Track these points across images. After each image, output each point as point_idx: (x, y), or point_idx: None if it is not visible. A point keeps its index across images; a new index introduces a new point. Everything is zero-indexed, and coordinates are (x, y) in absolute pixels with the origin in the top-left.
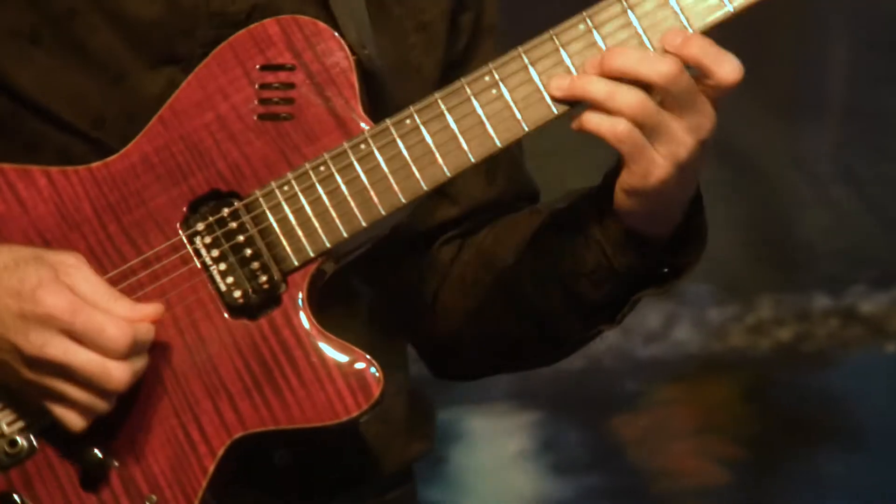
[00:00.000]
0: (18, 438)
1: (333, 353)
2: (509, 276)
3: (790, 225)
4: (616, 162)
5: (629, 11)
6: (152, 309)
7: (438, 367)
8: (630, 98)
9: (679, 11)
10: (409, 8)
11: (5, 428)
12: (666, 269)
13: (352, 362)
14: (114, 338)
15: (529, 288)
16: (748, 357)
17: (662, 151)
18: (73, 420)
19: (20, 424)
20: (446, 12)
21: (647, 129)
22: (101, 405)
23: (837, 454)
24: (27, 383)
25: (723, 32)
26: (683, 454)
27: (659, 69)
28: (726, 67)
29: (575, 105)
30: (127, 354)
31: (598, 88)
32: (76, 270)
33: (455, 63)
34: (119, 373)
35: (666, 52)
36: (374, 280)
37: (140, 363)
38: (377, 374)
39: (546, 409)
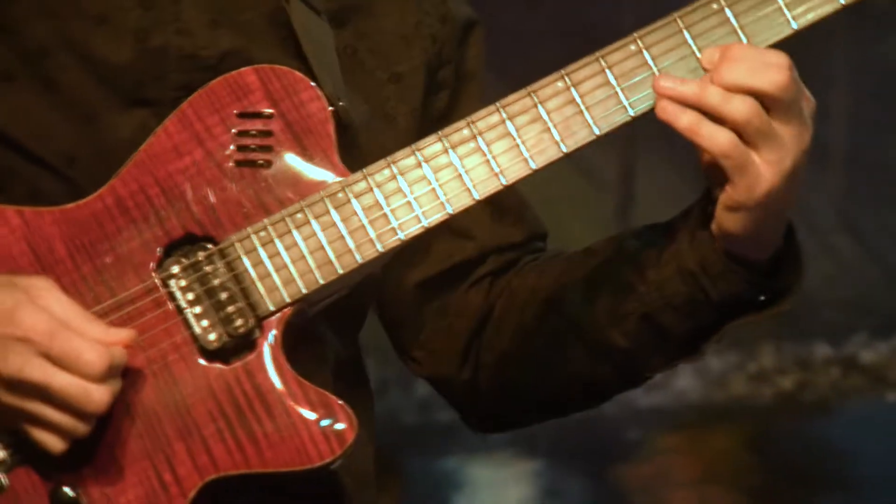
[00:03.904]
0: None
1: (308, 398)
2: (580, 317)
3: None
4: (703, 192)
5: (607, 71)
6: (125, 334)
7: (483, 418)
8: (743, 106)
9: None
10: (381, 59)
11: None
12: (763, 297)
13: (326, 408)
14: (91, 362)
15: (607, 328)
16: (749, 406)
17: (770, 159)
18: (53, 442)
19: None
20: (421, 64)
21: (755, 137)
22: (80, 427)
23: (838, 503)
24: (5, 407)
25: None
26: (684, 503)
27: (773, 79)
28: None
29: (551, 164)
30: (105, 377)
31: (713, 95)
32: (48, 293)
33: (440, 117)
34: (99, 395)
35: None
36: (342, 332)
37: (116, 385)
38: (352, 421)
39: (547, 458)
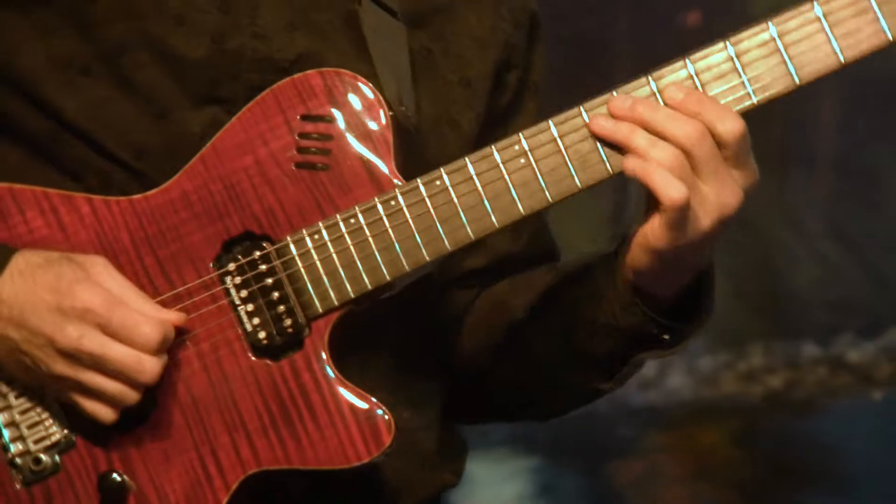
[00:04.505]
0: (43, 456)
1: (349, 399)
2: (519, 325)
3: (781, 277)
4: (633, 228)
5: (658, 95)
6: (176, 316)
7: (456, 410)
8: (665, 154)
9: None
10: (454, 62)
11: (32, 446)
12: (667, 336)
13: (366, 410)
14: (148, 334)
15: (537, 338)
16: (739, 404)
17: (692, 215)
18: (104, 411)
19: (46, 443)
20: (491, 71)
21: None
22: (131, 396)
23: (825, 497)
24: (60, 376)
25: None
26: (677, 499)
27: (683, 129)
28: (728, 123)
29: (597, 184)
30: (158, 350)
31: (639, 138)
32: (104, 270)
33: (498, 118)
34: (151, 365)
35: (667, 105)
36: (403, 317)
37: (165, 359)
38: (389, 423)
39: (544, 455)
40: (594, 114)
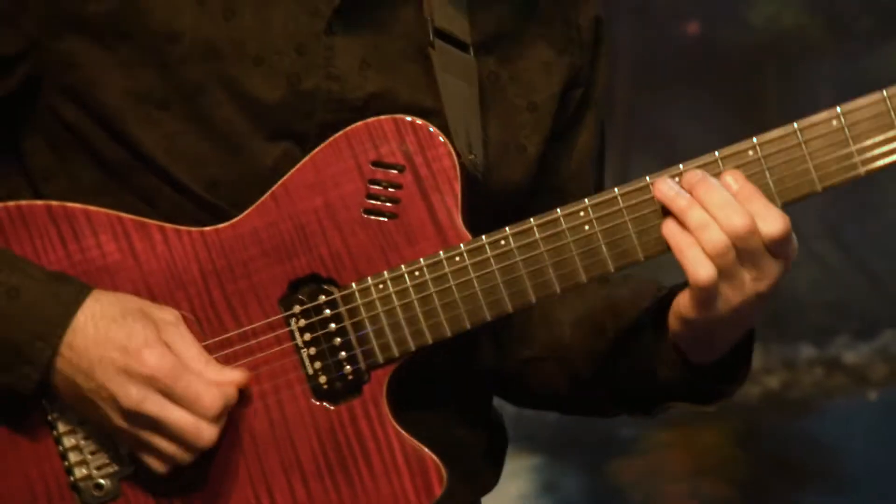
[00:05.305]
0: (104, 482)
1: (404, 449)
2: (563, 339)
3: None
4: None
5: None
6: (239, 375)
7: (509, 395)
8: (713, 237)
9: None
10: (522, 87)
11: (94, 471)
12: (698, 394)
13: (419, 461)
14: (208, 405)
15: (582, 362)
16: (738, 404)
17: (725, 294)
18: (159, 466)
19: (108, 470)
20: (557, 93)
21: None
22: (186, 458)
23: (822, 495)
24: (119, 430)
25: (716, 97)
26: (677, 496)
27: (731, 221)
28: (769, 223)
29: (665, 251)
30: (218, 418)
31: (694, 217)
32: (174, 329)
33: (558, 134)
34: (209, 433)
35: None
36: (460, 353)
37: (223, 422)
38: (441, 474)
39: (546, 453)
40: (661, 180)
